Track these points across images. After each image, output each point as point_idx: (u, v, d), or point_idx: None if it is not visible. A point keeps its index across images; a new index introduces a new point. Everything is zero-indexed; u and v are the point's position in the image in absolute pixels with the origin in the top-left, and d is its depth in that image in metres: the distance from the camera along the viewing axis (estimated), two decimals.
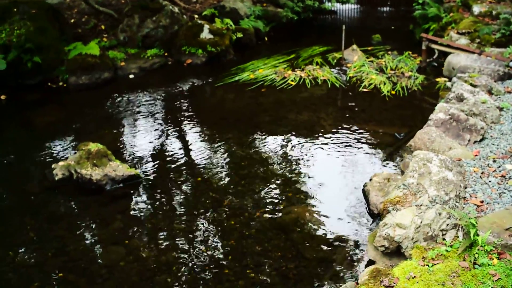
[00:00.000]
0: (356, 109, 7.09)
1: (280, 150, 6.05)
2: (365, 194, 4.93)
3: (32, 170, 5.78)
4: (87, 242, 4.59)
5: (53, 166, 5.50)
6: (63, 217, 4.92)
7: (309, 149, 6.02)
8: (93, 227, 4.77)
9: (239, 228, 4.68)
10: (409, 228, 3.78)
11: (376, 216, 4.62)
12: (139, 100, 7.62)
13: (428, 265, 3.48)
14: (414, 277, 3.39)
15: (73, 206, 5.08)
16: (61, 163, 5.46)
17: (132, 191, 5.26)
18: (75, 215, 4.95)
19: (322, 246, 4.40)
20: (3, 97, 7.64)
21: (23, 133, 6.77)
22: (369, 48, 9.39)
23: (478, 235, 3.55)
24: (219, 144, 6.26)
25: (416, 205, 3.92)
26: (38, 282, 4.11)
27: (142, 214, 4.95)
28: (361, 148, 5.99)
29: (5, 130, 6.70)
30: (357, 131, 6.39)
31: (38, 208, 5.06)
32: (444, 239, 3.73)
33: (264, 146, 6.16)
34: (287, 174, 5.53)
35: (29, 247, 4.53)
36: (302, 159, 5.83)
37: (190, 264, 4.27)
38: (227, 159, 5.92)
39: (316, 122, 6.77)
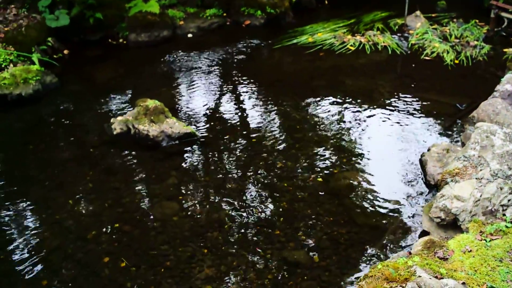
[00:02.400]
0: (417, 77, 6.87)
1: (336, 115, 5.97)
2: (422, 164, 4.81)
3: (92, 123, 5.93)
4: (143, 195, 4.71)
5: (112, 120, 5.62)
6: (120, 170, 5.04)
7: (366, 116, 5.91)
8: (149, 181, 4.87)
9: (292, 190, 4.67)
10: (468, 201, 3.68)
11: (433, 187, 4.51)
12: (197, 60, 7.64)
13: (485, 240, 3.39)
14: (470, 251, 3.31)
15: (130, 160, 5.20)
16: (119, 118, 5.57)
17: (187, 149, 5.33)
18: (131, 169, 5.06)
19: (375, 214, 4.35)
20: (66, 51, 7.81)
21: (84, 87, 6.93)
22: (433, 15, 9.03)
23: None
24: (275, 106, 6.23)
25: (476, 178, 3.81)
26: (95, 230, 4.26)
27: (196, 171, 5.01)
28: (420, 117, 5.83)
29: (67, 84, 6.87)
30: (416, 100, 6.21)
31: (96, 160, 5.21)
32: (504, 215, 3.61)
33: (320, 110, 6.08)
34: (342, 139, 5.46)
35: (88, 197, 4.68)
36: (358, 125, 5.73)
37: (242, 223, 4.31)
38: (282, 122, 5.89)
39: (374, 89, 6.62)
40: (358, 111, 6.02)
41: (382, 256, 3.89)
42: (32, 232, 4.25)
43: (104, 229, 4.27)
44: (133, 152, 5.29)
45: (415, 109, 5.99)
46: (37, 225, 4.33)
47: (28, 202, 4.61)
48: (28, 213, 4.47)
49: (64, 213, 4.47)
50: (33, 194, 4.72)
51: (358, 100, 6.27)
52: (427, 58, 7.39)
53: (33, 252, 4.03)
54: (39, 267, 3.89)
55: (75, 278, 3.79)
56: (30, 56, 6.89)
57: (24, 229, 4.29)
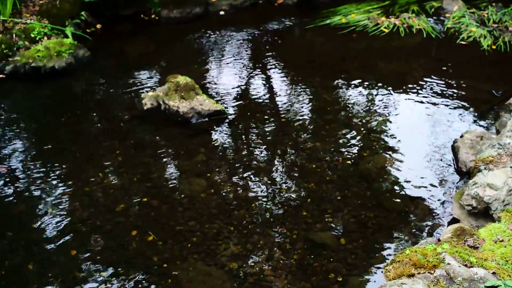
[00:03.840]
0: (451, 62, 6.72)
1: (367, 98, 5.89)
2: (454, 150, 4.73)
3: (123, 98, 5.97)
4: (171, 171, 4.74)
5: (142, 95, 5.65)
6: (149, 145, 5.08)
7: (397, 99, 5.82)
8: (177, 157, 4.90)
9: (320, 172, 4.65)
10: (501, 189, 3.60)
11: (465, 174, 4.43)
12: (228, 38, 7.60)
13: None
14: (502, 240, 3.24)
15: (159, 135, 5.23)
16: (150, 93, 5.59)
17: (216, 126, 5.33)
18: (160, 145, 5.09)
19: (404, 199, 4.30)
20: (98, 26, 7.84)
21: (116, 62, 6.97)
22: None
23: None
24: (305, 87, 6.18)
25: (511, 167, 3.72)
26: (124, 203, 4.31)
27: (224, 149, 5.02)
28: (453, 102, 5.71)
29: (99, 58, 6.91)
30: (450, 85, 6.08)
31: (126, 135, 5.25)
32: None
33: (351, 92, 6.01)
34: (373, 122, 5.39)
35: (117, 170, 4.73)
36: (389, 108, 5.64)
37: (269, 203, 4.31)
38: (312, 103, 5.84)
39: (407, 72, 6.50)
40: (389, 94, 5.93)
41: (409, 241, 3.85)
42: (63, 203, 4.31)
43: (132, 203, 4.32)
44: (163, 128, 5.32)
45: (448, 94, 5.88)
46: (68, 196, 4.40)
47: (60, 174, 4.68)
48: (59, 184, 4.54)
49: (94, 186, 4.53)
50: (64, 166, 4.79)
51: (390, 83, 6.17)
52: (463, 42, 7.22)
53: (63, 222, 4.10)
54: (68, 237, 3.96)
55: (103, 250, 3.85)
56: (64, 30, 6.93)
57: (55, 199, 4.36)
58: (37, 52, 6.38)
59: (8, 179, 4.60)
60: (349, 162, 4.78)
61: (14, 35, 6.64)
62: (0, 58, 6.35)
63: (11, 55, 6.43)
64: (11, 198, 4.38)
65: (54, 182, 4.57)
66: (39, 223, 4.10)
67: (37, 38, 6.68)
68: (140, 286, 3.54)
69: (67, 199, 4.37)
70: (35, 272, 3.66)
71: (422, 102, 5.75)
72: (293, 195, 4.39)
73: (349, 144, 5.04)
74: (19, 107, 5.93)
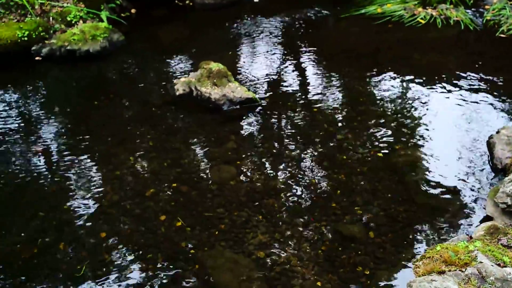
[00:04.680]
0: (489, 55, 6.56)
1: (401, 89, 5.79)
2: (490, 146, 4.61)
3: (155, 83, 6.01)
4: (201, 157, 4.75)
5: (174, 81, 5.67)
6: (180, 131, 5.10)
7: (432, 92, 5.70)
8: (208, 144, 4.90)
9: (351, 164, 4.60)
10: None
11: (500, 171, 4.32)
12: (261, 25, 7.56)
13: None
14: None
15: (191, 121, 5.24)
16: (182, 79, 5.61)
17: (248, 114, 5.32)
18: (191, 131, 5.11)
19: (436, 194, 4.22)
20: (133, 10, 7.89)
21: (149, 47, 7.00)
22: None
23: None
24: (338, 77, 6.11)
25: None
26: (154, 188, 4.34)
27: (255, 137, 5.00)
28: (490, 97, 5.57)
29: (133, 42, 6.96)
30: (486, 79, 5.93)
31: (158, 120, 5.28)
32: None
33: (384, 84, 5.92)
34: (406, 115, 5.30)
35: (148, 155, 4.76)
36: (423, 101, 5.54)
37: (298, 193, 4.29)
38: (345, 93, 5.78)
39: (443, 65, 6.36)
40: (424, 87, 5.82)
41: (440, 238, 3.78)
42: (94, 186, 4.37)
43: (162, 188, 4.34)
44: (194, 114, 5.33)
45: (485, 89, 5.73)
46: (99, 179, 4.45)
47: (91, 156, 4.74)
48: (91, 167, 4.60)
49: (125, 170, 4.57)
50: (96, 149, 4.85)
51: (425, 76, 6.05)
52: (502, 35, 7.03)
53: (93, 205, 4.16)
54: (98, 219, 4.02)
55: (132, 233, 3.89)
56: (99, 14, 6.99)
57: (87, 182, 4.42)
58: (73, 36, 6.45)
59: (42, 160, 4.69)
60: (380, 154, 4.71)
61: (51, 18, 6.73)
62: (37, 40, 6.46)
63: (48, 38, 6.53)
64: (44, 179, 4.46)
65: (86, 164, 4.63)
66: (71, 204, 4.17)
67: (73, 22, 6.76)
68: (167, 271, 3.57)
69: (98, 181, 4.42)
70: (65, 252, 3.72)
71: (457, 95, 5.62)
72: (323, 186, 4.36)
73: (381, 137, 4.96)
74: (54, 89, 6.03)
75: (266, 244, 3.77)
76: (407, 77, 6.03)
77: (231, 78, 5.53)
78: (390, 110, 5.42)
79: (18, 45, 6.34)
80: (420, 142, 4.87)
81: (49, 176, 4.50)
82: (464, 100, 5.54)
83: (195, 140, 4.97)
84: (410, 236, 3.84)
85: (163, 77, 6.07)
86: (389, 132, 5.02)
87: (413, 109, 5.43)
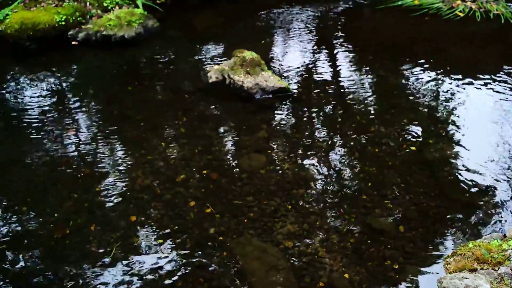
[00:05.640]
0: None
1: (436, 84, 5.68)
2: None
3: (188, 70, 6.03)
4: (232, 145, 4.76)
5: (208, 68, 5.68)
6: (212, 118, 5.11)
7: (468, 87, 5.58)
8: (239, 132, 4.91)
9: (382, 157, 4.54)
10: None
11: None
12: (296, 15, 7.51)
13: None
14: None
15: (223, 109, 5.25)
16: (216, 67, 5.61)
17: (280, 103, 5.29)
18: (223, 118, 5.12)
19: (469, 190, 4.14)
20: None
21: (183, 34, 7.03)
22: None
23: None
24: (372, 69, 6.03)
25: None
26: (184, 174, 4.37)
27: (286, 127, 4.99)
28: None
29: (168, 29, 6.99)
30: None
31: (190, 106, 5.30)
32: None
33: (419, 77, 5.82)
34: (440, 109, 5.21)
35: (179, 141, 4.79)
36: (458, 96, 5.43)
37: (328, 184, 4.26)
38: (378, 86, 5.70)
39: (480, 60, 6.23)
40: (460, 81, 5.70)
41: (472, 235, 3.71)
42: (125, 170, 4.42)
43: (192, 174, 4.37)
44: (226, 102, 5.34)
45: None
46: (130, 163, 4.50)
47: (124, 141, 4.79)
48: (123, 151, 4.66)
49: (156, 155, 4.61)
50: (128, 133, 4.90)
51: (462, 70, 5.93)
52: None
53: (125, 188, 4.21)
54: (129, 203, 4.06)
55: (161, 218, 3.93)
56: (135, 0, 7.04)
57: (119, 166, 4.47)
58: (109, 21, 6.51)
59: (75, 143, 4.76)
60: (413, 148, 4.65)
61: (87, 3, 6.80)
62: (74, 25, 6.54)
63: (84, 23, 6.61)
64: (77, 161, 4.53)
65: (118, 148, 4.69)
66: (102, 187, 4.22)
67: (109, 7, 6.83)
68: (195, 256, 3.59)
69: (129, 166, 4.47)
70: (96, 234, 3.78)
71: (494, 91, 5.49)
72: (353, 178, 4.32)
73: (414, 130, 4.89)
74: (89, 74, 6.11)
75: (295, 234, 3.77)
76: (443, 71, 5.92)
77: (264, 67, 5.51)
78: (424, 103, 5.33)
79: (55, 29, 6.43)
80: (454, 137, 4.78)
81: (82, 158, 4.57)
82: (501, 95, 5.41)
83: (227, 127, 4.98)
84: (441, 232, 3.78)
85: (197, 64, 6.09)
86: (422, 126, 4.94)
87: (447, 103, 5.33)
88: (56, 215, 3.94)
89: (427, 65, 6.05)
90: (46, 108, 5.29)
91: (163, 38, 6.78)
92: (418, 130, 4.89)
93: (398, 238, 3.73)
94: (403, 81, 5.77)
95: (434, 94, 5.50)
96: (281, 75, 5.81)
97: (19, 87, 5.70)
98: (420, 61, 6.15)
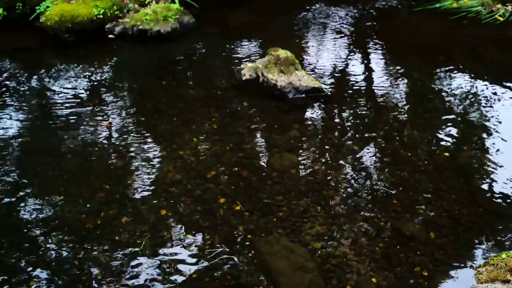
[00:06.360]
0: None
1: (472, 89, 5.59)
2: None
3: (222, 66, 6.06)
4: (263, 143, 4.77)
5: (241, 66, 5.70)
6: (245, 116, 5.13)
7: (505, 93, 5.45)
8: (271, 131, 4.91)
9: (415, 161, 4.49)
10: None
11: None
12: (332, 15, 7.46)
13: None
14: None
15: (255, 107, 5.26)
16: (249, 64, 5.63)
17: (312, 103, 5.28)
18: (255, 116, 5.13)
19: (503, 199, 4.06)
20: None
21: (219, 30, 7.05)
22: None
23: None
24: (407, 71, 5.96)
25: None
26: (215, 171, 4.39)
27: (319, 127, 4.97)
28: None
29: (203, 25, 7.02)
30: None
31: (223, 103, 5.32)
32: None
33: (455, 81, 5.73)
34: (476, 115, 5.12)
35: (211, 137, 4.82)
36: (495, 102, 5.32)
37: (358, 186, 4.24)
38: (413, 89, 5.64)
39: None
40: (497, 87, 5.58)
41: (505, 245, 3.64)
42: (157, 164, 4.47)
43: (223, 171, 4.39)
44: (259, 100, 5.35)
45: None
46: (162, 158, 4.55)
47: (156, 135, 4.84)
48: (155, 145, 4.70)
49: (188, 150, 4.64)
50: (161, 127, 4.94)
51: (499, 76, 5.81)
52: None
53: (156, 182, 4.25)
54: (160, 197, 4.10)
55: (191, 213, 3.96)
56: None
57: (151, 159, 4.52)
58: (145, 16, 6.58)
59: (109, 135, 4.83)
60: (446, 154, 4.58)
61: None
62: (112, 19, 6.63)
63: (121, 17, 6.69)
64: (110, 153, 4.60)
65: (151, 142, 4.74)
66: (134, 179, 4.28)
67: (146, 2, 6.89)
68: (223, 253, 3.61)
69: (161, 160, 4.52)
70: (126, 226, 3.83)
71: None
72: (384, 182, 4.29)
73: (448, 136, 4.82)
74: (124, 67, 6.18)
75: (323, 235, 3.75)
76: (480, 76, 5.81)
77: (298, 66, 5.50)
78: (459, 109, 5.25)
79: (93, 22, 6.53)
80: (489, 145, 4.70)
81: (115, 150, 4.63)
82: None
83: (259, 126, 4.99)
84: (473, 241, 3.72)
85: (230, 61, 6.12)
86: (457, 132, 4.87)
87: (484, 109, 5.24)
88: (88, 205, 4.01)
89: (463, 70, 5.95)
90: (82, 99, 5.38)
91: (198, 34, 6.82)
92: (452, 135, 4.82)
93: (428, 244, 3.68)
94: (439, 85, 5.69)
95: (470, 99, 5.41)
96: (314, 74, 5.79)
97: (57, 78, 5.81)
98: (456, 65, 6.05)
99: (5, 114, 5.10)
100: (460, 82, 5.71)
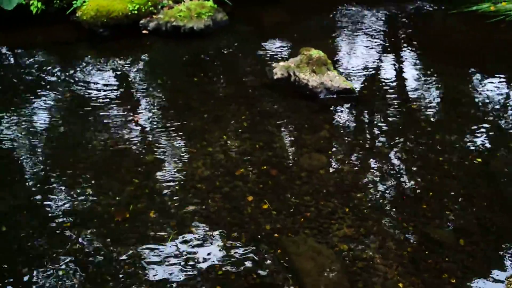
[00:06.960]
0: None
1: (507, 94, 5.48)
2: None
3: (254, 65, 6.07)
4: (293, 143, 4.76)
5: (273, 64, 5.70)
6: (275, 114, 5.12)
7: None
8: (301, 130, 4.90)
9: (446, 166, 4.42)
10: None
11: None
12: (365, 16, 7.41)
13: None
14: None
15: (286, 106, 5.25)
16: (281, 63, 5.62)
17: (343, 104, 5.25)
18: (286, 115, 5.12)
19: None
20: None
21: (251, 29, 7.08)
22: None
23: None
24: (441, 75, 5.88)
25: None
26: (244, 168, 4.40)
27: (349, 128, 4.94)
28: None
29: (236, 23, 7.06)
30: None
31: (254, 101, 5.33)
32: None
33: (491, 86, 5.62)
34: (509, 122, 5.02)
35: (241, 135, 4.83)
36: None
37: (388, 190, 4.20)
38: (446, 92, 5.56)
39: None
40: None
41: None
42: (186, 160, 4.50)
43: (252, 169, 4.40)
44: (290, 99, 5.34)
45: None
46: (192, 154, 4.58)
47: (186, 131, 4.87)
48: (185, 141, 4.74)
49: (217, 147, 4.66)
50: (192, 124, 4.98)
51: None
52: None
53: (185, 178, 4.28)
54: (188, 192, 4.13)
55: (219, 210, 3.97)
56: None
57: (180, 155, 4.56)
58: (179, 12, 6.64)
59: (140, 129, 4.88)
60: (479, 160, 4.50)
61: None
62: (146, 15, 6.71)
63: (156, 13, 6.76)
64: (140, 147, 4.65)
65: (181, 138, 4.78)
66: (163, 174, 4.32)
67: None
68: (249, 251, 3.62)
69: (190, 156, 4.55)
70: (155, 220, 3.86)
71: None
72: (414, 186, 4.23)
73: (481, 142, 4.74)
74: (157, 63, 6.25)
75: (351, 237, 3.73)
76: None
77: (330, 67, 5.48)
78: (493, 114, 5.15)
79: (128, 18, 6.62)
80: None
81: (146, 145, 4.68)
82: None
83: (289, 125, 4.98)
84: (504, 249, 3.64)
85: (262, 60, 6.12)
86: (490, 138, 4.78)
87: None
88: (117, 198, 4.06)
89: (498, 74, 5.84)
90: (115, 93, 5.46)
91: (231, 32, 6.84)
92: (485, 141, 4.74)
93: (457, 251, 3.63)
94: (473, 89, 5.59)
95: (504, 105, 5.31)
96: (346, 75, 5.76)
97: (90, 71, 5.90)
98: (492, 70, 5.94)
99: (39, 106, 5.21)
100: (495, 87, 5.61)
